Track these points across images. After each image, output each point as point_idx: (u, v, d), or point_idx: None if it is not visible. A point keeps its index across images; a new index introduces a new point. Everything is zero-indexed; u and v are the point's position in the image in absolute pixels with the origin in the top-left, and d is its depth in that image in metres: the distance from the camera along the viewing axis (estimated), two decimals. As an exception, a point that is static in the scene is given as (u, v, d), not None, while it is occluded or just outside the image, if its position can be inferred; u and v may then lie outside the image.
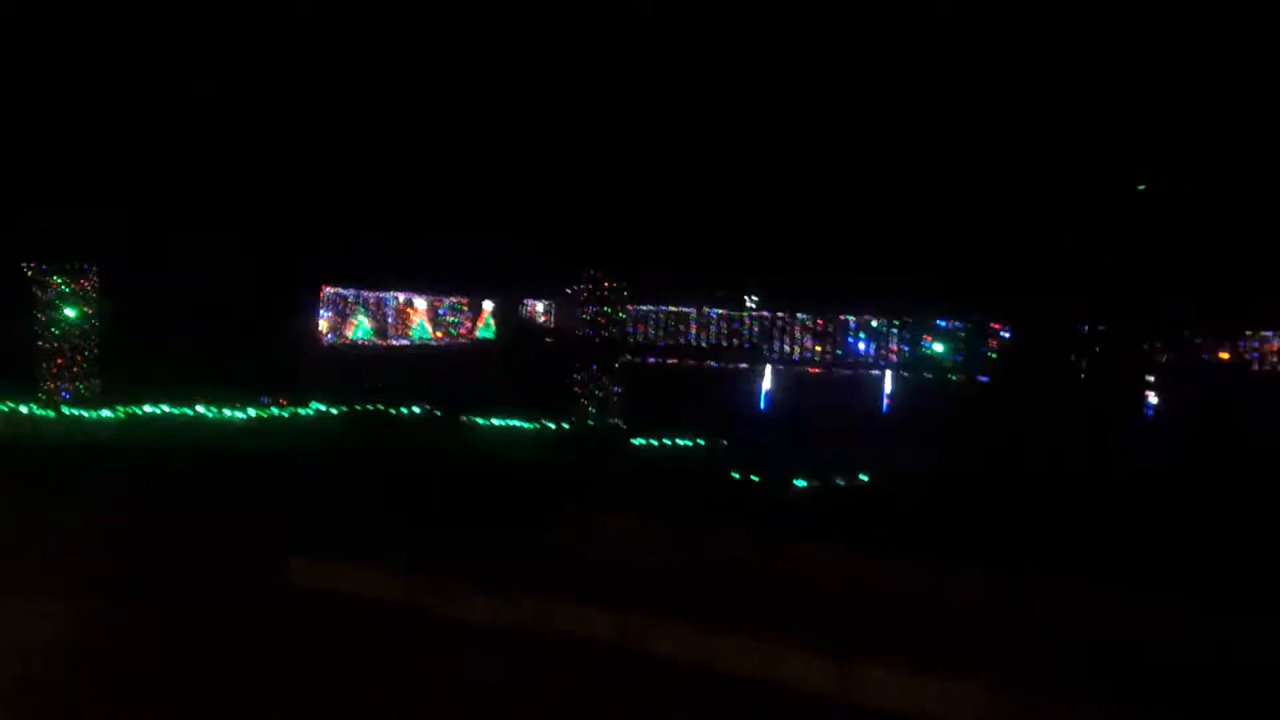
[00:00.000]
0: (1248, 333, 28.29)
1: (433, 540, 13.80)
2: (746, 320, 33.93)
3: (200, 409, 25.63)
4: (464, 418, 29.41)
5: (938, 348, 31.30)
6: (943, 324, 31.69)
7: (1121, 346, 28.29)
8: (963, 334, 31.03)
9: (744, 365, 32.60)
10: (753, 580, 12.47)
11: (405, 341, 32.83)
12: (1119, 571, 12.94)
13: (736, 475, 26.38)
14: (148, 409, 25.27)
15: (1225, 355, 28.34)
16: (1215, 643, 10.50)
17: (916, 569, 12.67)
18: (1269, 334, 28.17)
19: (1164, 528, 18.23)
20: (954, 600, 11.98)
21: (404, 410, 28.52)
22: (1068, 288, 27.98)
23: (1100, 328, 28.88)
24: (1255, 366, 28.30)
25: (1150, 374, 28.12)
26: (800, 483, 25.46)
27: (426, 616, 11.26)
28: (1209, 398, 27.75)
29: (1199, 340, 28.26)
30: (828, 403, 31.41)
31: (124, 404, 25.10)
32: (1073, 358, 28.55)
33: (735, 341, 34.24)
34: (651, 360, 33.96)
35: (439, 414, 29.02)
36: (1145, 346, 28.33)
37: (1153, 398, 27.84)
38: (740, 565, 12.86)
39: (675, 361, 35.11)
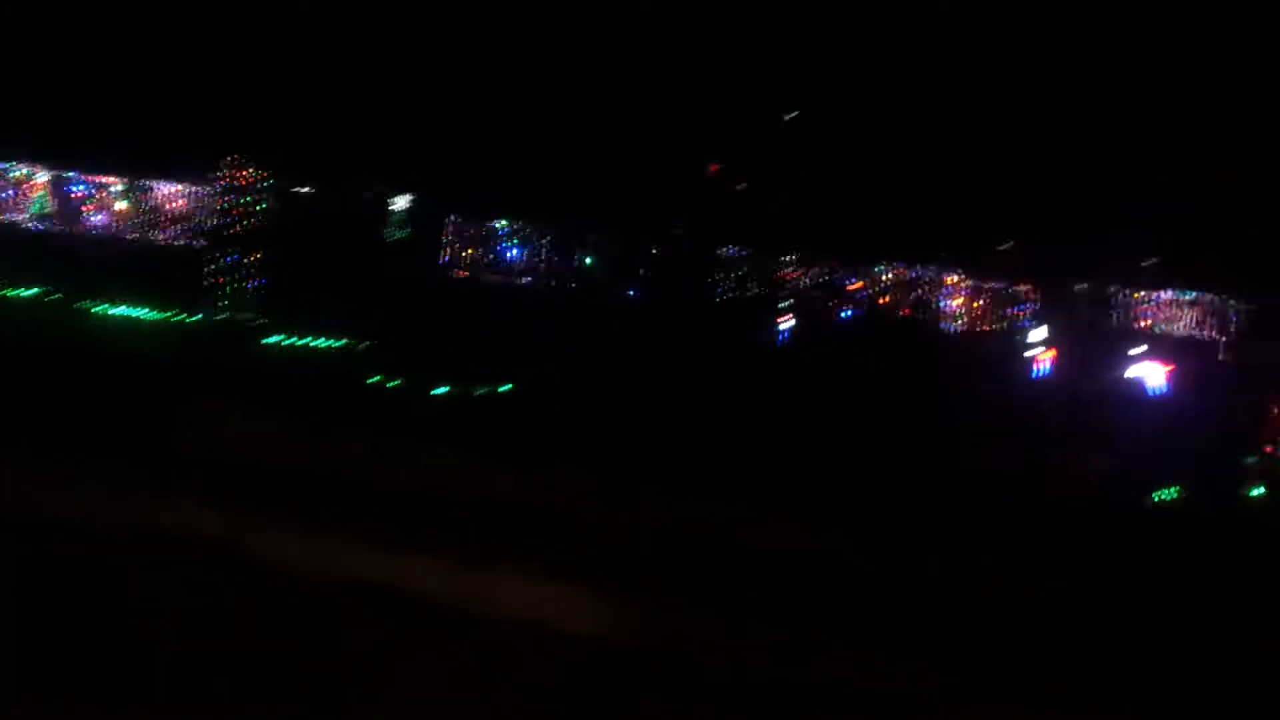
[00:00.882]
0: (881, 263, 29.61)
1: (40, 436, 13.00)
2: (403, 221, 33.30)
3: None
4: (86, 303, 27.53)
5: (590, 259, 31.66)
6: (596, 236, 31.99)
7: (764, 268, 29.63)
8: (617, 245, 31.45)
9: (398, 267, 31.92)
10: (377, 486, 12.41)
11: (22, 218, 30.19)
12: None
13: (377, 379, 26.00)
14: None
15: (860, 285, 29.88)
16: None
17: (540, 479, 13.00)
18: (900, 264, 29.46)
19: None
20: (577, 509, 12.37)
21: (16, 291, 26.45)
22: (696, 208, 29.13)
23: (745, 251, 30.06)
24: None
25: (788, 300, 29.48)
26: (439, 390, 25.36)
27: (33, 516, 10.62)
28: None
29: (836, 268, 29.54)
30: (479, 310, 31.24)
31: None
32: (708, 277, 29.66)
33: (391, 242, 33.50)
34: (296, 256, 32.79)
35: (57, 297, 27.07)
36: (776, 270, 29.67)
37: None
38: (364, 471, 12.77)
39: (324, 259, 34.12)
